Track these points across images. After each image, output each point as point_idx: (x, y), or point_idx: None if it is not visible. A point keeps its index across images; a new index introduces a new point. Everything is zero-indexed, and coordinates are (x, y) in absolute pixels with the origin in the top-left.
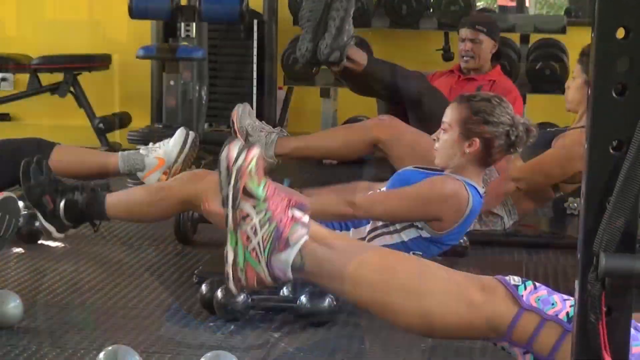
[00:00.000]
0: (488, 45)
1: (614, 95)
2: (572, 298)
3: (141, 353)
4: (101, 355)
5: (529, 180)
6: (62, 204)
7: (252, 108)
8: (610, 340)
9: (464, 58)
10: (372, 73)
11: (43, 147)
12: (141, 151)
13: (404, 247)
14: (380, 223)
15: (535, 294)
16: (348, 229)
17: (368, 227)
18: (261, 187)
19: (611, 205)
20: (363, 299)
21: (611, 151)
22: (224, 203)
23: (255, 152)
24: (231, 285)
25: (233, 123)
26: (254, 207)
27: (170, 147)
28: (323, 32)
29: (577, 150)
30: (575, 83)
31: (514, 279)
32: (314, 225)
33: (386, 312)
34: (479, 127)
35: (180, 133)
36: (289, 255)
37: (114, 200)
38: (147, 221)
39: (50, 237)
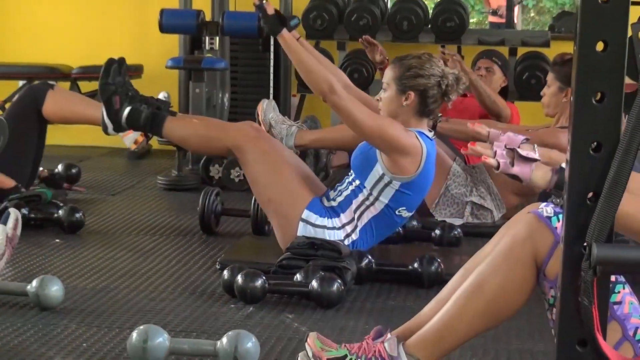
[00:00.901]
0: (499, 78)
1: (593, 102)
2: None
3: (169, 331)
4: (134, 333)
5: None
6: (127, 109)
7: None
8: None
9: None
10: None
11: (38, 91)
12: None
13: (388, 210)
14: (362, 198)
15: None
16: (338, 216)
17: (354, 207)
18: (336, 348)
19: (601, 202)
20: (468, 338)
21: (591, 152)
22: None
23: (312, 337)
24: None
25: (258, 115)
26: None
27: None
28: None
29: (552, 141)
30: (550, 90)
31: (547, 211)
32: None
33: (486, 330)
34: (412, 80)
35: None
36: None
37: (173, 124)
38: (193, 151)
39: (105, 131)
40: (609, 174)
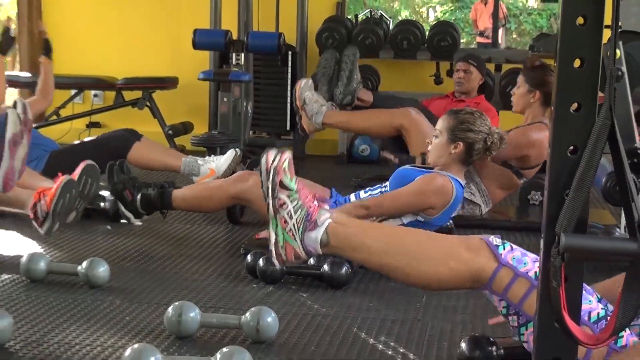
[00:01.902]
0: (476, 76)
1: (571, 111)
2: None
3: (200, 307)
4: (170, 308)
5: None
6: (138, 197)
7: (287, 119)
8: (567, 301)
9: (457, 83)
10: (377, 107)
11: (123, 144)
12: (199, 161)
13: (401, 223)
14: None
15: (511, 253)
16: None
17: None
18: (293, 181)
19: (569, 197)
20: (377, 264)
21: (568, 154)
22: (265, 195)
23: (287, 154)
24: (274, 259)
25: (296, 91)
26: (289, 196)
27: (222, 162)
28: (336, 81)
29: (524, 139)
30: (519, 91)
31: (496, 240)
32: (335, 211)
33: (395, 273)
34: (463, 133)
35: (230, 153)
36: (318, 234)
37: (179, 195)
38: (203, 212)
39: (129, 222)
40: (577, 171)
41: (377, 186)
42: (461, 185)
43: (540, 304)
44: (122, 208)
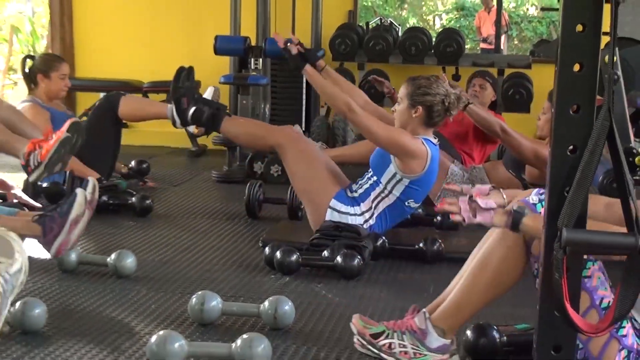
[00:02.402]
0: (490, 92)
1: (570, 112)
2: None
3: (221, 296)
4: (193, 297)
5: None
6: (192, 109)
7: (302, 119)
8: (568, 291)
9: (472, 96)
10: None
11: (112, 101)
12: None
13: (400, 201)
14: (378, 191)
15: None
16: (359, 205)
17: (372, 198)
18: (376, 326)
19: (570, 194)
20: (483, 305)
21: (568, 154)
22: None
23: (356, 320)
24: None
25: None
26: (387, 337)
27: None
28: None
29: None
30: (545, 117)
31: (533, 199)
32: (430, 307)
33: (495, 298)
34: (421, 97)
35: (210, 89)
36: (432, 335)
37: (229, 123)
38: (242, 146)
39: (174, 125)
40: (578, 170)
41: (364, 175)
42: (433, 143)
43: (542, 294)
44: (174, 110)
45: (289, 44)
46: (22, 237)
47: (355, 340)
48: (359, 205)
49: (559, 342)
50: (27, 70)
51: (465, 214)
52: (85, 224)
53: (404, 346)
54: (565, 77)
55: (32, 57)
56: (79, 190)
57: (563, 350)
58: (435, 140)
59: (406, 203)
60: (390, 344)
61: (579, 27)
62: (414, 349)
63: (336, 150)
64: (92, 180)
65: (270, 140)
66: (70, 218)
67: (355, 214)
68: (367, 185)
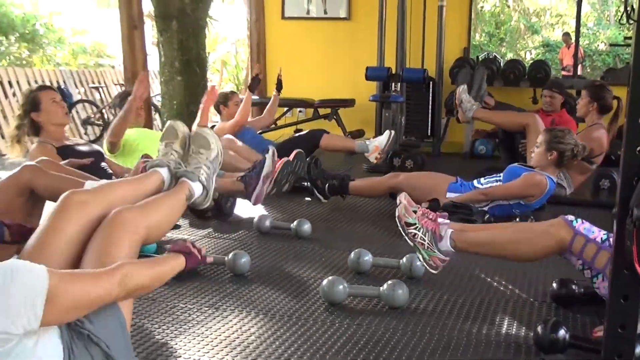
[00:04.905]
0: (558, 99)
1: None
2: (603, 230)
3: (372, 253)
4: (351, 253)
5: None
6: (326, 185)
7: (428, 128)
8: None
9: (545, 105)
10: (497, 108)
11: (317, 136)
12: (366, 142)
13: (509, 206)
14: None
15: (582, 225)
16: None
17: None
18: (413, 217)
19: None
20: (494, 254)
21: (637, 153)
22: (402, 233)
23: (403, 202)
24: (431, 270)
25: (456, 93)
26: (415, 228)
27: (382, 139)
28: (469, 90)
29: (588, 138)
30: (583, 101)
31: (570, 217)
32: (454, 223)
33: (508, 257)
34: (556, 145)
35: (387, 133)
36: (446, 242)
37: (353, 184)
38: (367, 197)
39: (320, 200)
40: None
41: (493, 175)
42: (553, 181)
43: (615, 258)
44: (316, 192)
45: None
46: (231, 192)
47: (396, 215)
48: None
49: (627, 293)
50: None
51: None
52: (272, 182)
53: (423, 240)
54: (637, 88)
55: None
56: (267, 156)
57: (630, 300)
58: (555, 180)
59: (513, 210)
60: (415, 234)
61: None
62: (429, 244)
63: (487, 112)
64: (271, 148)
65: (383, 191)
66: (262, 175)
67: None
68: (491, 184)
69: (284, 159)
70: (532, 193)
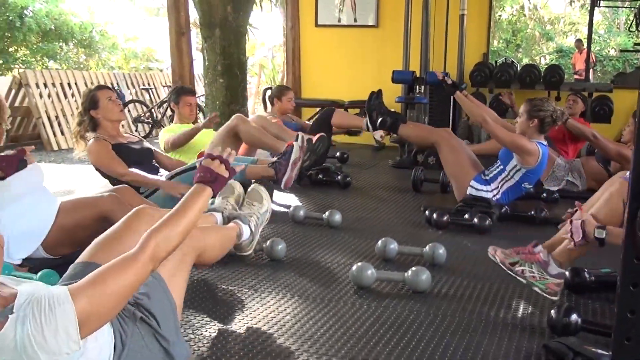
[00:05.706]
0: (580, 105)
1: None
2: None
3: (397, 242)
4: (379, 242)
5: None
6: (379, 119)
7: (449, 127)
8: None
9: (567, 107)
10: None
11: (329, 115)
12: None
13: (518, 184)
14: (503, 176)
15: None
16: (489, 184)
17: (498, 180)
18: (514, 257)
19: None
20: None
21: None
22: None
23: (498, 254)
24: (552, 297)
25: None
26: (520, 265)
27: None
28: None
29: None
30: (629, 129)
31: (627, 175)
32: (544, 244)
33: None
34: (536, 112)
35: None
36: (552, 265)
37: (405, 127)
38: (412, 142)
39: (367, 130)
40: None
41: (494, 165)
42: (544, 145)
43: (626, 247)
44: (367, 120)
45: (445, 77)
46: (263, 177)
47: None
48: (489, 184)
49: (637, 280)
50: (266, 96)
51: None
52: (299, 166)
53: (533, 272)
54: None
55: (269, 88)
56: (294, 143)
57: (639, 287)
58: (545, 142)
59: (522, 185)
60: (523, 270)
61: None
62: (540, 274)
63: (475, 146)
64: (301, 134)
65: (431, 139)
66: (291, 160)
67: (487, 191)
68: (495, 172)
69: (306, 137)
70: (527, 146)
